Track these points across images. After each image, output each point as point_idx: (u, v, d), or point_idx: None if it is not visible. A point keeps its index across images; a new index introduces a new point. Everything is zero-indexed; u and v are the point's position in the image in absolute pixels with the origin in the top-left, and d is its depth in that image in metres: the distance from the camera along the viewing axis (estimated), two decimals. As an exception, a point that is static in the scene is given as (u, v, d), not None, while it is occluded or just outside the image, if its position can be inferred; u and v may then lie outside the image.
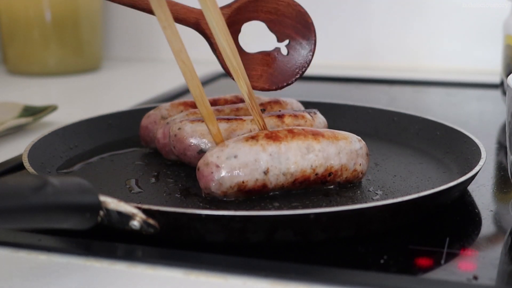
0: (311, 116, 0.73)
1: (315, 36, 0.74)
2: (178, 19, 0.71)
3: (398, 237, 0.57)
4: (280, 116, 0.71)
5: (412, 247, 0.55)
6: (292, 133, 0.64)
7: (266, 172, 0.61)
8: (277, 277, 0.49)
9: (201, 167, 0.62)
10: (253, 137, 0.63)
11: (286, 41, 0.73)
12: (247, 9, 0.72)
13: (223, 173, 0.61)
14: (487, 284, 0.49)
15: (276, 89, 0.73)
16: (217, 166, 0.61)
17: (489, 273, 0.51)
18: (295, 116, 0.72)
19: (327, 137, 0.65)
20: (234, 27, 0.71)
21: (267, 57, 0.73)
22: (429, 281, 0.50)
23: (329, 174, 0.64)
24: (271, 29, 0.73)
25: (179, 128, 0.69)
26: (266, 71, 0.72)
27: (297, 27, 0.73)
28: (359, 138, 0.67)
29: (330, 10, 1.48)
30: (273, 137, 0.63)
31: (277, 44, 0.74)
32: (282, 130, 0.64)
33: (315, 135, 0.64)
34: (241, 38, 0.73)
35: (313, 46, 0.74)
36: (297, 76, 0.73)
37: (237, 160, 0.61)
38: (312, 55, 0.74)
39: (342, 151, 0.65)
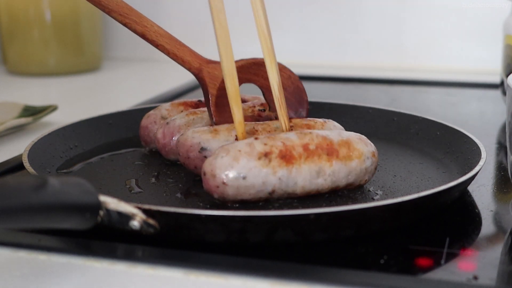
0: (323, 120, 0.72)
1: (307, 114, 0.74)
2: (183, 61, 0.72)
3: (398, 237, 0.57)
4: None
5: (412, 247, 0.55)
6: (307, 151, 0.61)
7: (271, 193, 0.61)
8: (277, 277, 0.49)
9: (207, 175, 0.60)
10: (267, 155, 0.60)
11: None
12: (249, 70, 0.72)
13: (229, 191, 0.60)
14: (487, 284, 0.49)
15: None
16: (224, 184, 0.59)
17: (489, 273, 0.51)
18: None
19: (341, 157, 0.62)
20: None
21: (259, 118, 0.74)
22: (429, 281, 0.50)
23: (333, 191, 0.64)
24: (266, 97, 0.74)
25: (182, 134, 0.69)
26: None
27: (291, 101, 0.73)
28: (374, 151, 0.65)
29: (330, 10, 1.48)
30: (287, 157, 0.60)
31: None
32: (298, 144, 0.61)
33: (330, 154, 0.62)
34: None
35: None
36: None
37: (245, 182, 0.59)
38: None
39: (352, 172, 0.63)
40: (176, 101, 0.81)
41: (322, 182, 0.62)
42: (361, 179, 0.65)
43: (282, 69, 0.73)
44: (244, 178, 0.59)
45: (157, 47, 0.71)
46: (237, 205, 0.61)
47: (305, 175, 0.61)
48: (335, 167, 0.62)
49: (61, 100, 1.14)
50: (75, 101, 1.20)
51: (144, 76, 1.48)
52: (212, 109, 0.70)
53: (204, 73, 0.71)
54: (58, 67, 1.42)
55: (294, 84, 0.74)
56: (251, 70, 0.72)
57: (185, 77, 1.33)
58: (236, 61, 0.71)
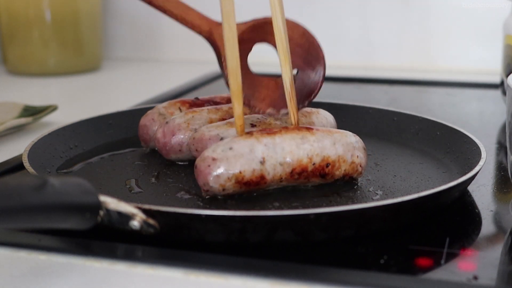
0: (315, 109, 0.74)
1: (324, 70, 0.72)
2: (193, 25, 0.70)
3: (398, 237, 0.57)
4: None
5: (412, 247, 0.55)
6: (286, 129, 0.65)
7: (262, 162, 0.62)
8: (277, 277, 0.49)
9: (198, 163, 0.62)
10: (248, 133, 0.64)
11: (294, 71, 0.72)
12: (262, 29, 0.71)
13: (220, 166, 0.61)
14: (487, 284, 0.49)
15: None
16: (214, 159, 0.61)
17: (489, 273, 0.51)
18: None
19: (322, 131, 0.65)
20: (246, 45, 0.69)
21: (272, 82, 0.72)
22: (429, 281, 0.50)
23: (327, 165, 0.64)
24: None
25: (196, 131, 0.69)
26: (270, 96, 0.71)
27: (307, 58, 0.72)
28: (355, 134, 0.68)
29: (330, 10, 1.48)
30: (267, 131, 0.64)
31: None
32: (277, 127, 0.65)
33: (309, 129, 0.65)
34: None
35: (321, 79, 0.72)
36: (300, 106, 0.71)
37: (232, 152, 0.61)
38: (319, 88, 0.72)
39: (338, 142, 0.65)
40: (173, 100, 0.81)
41: (310, 147, 0.63)
42: (352, 154, 0.65)
43: (295, 26, 0.71)
44: (231, 148, 0.61)
45: (165, 13, 0.69)
46: (236, 195, 0.61)
47: (290, 141, 0.63)
48: (318, 135, 0.64)
49: (61, 100, 1.14)
50: (75, 101, 1.20)
51: (144, 76, 1.48)
52: (226, 71, 0.69)
53: (215, 35, 0.70)
54: (58, 67, 1.42)
55: (309, 40, 0.72)
56: (263, 30, 0.70)
57: (185, 77, 1.33)
58: (246, 22, 0.70)
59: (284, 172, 0.63)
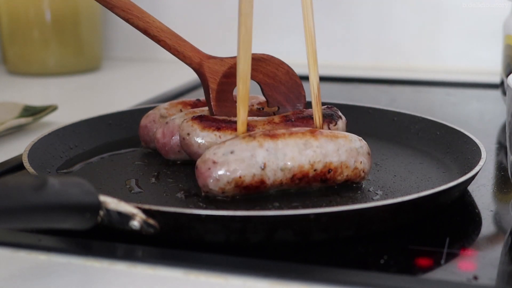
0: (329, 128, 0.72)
1: (304, 108, 0.75)
2: (184, 56, 0.72)
3: (398, 237, 0.57)
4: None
5: (412, 247, 0.55)
6: (290, 132, 0.64)
7: (263, 167, 0.61)
8: (277, 277, 0.50)
9: (199, 164, 0.62)
10: (250, 135, 0.63)
11: (275, 108, 0.75)
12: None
13: (220, 169, 0.61)
14: (487, 284, 0.49)
15: None
16: (214, 162, 0.61)
17: (489, 273, 0.51)
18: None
19: (326, 135, 0.65)
20: (232, 79, 0.72)
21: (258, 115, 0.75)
22: (429, 281, 0.50)
23: (329, 171, 0.64)
24: (265, 92, 0.75)
25: (188, 134, 0.68)
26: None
27: (289, 96, 0.75)
28: (360, 138, 0.67)
29: (329, 10, 1.48)
30: (270, 135, 0.63)
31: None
32: (281, 129, 0.65)
33: (313, 133, 0.65)
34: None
35: None
36: None
37: (233, 156, 0.61)
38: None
39: (341, 148, 0.64)
40: (175, 100, 0.81)
41: (312, 153, 0.63)
42: (355, 160, 0.65)
43: (280, 64, 0.74)
44: (232, 152, 0.61)
45: (158, 43, 0.72)
46: (235, 197, 0.61)
47: (293, 147, 0.63)
48: (321, 141, 0.64)
49: (61, 100, 1.14)
50: (75, 101, 1.20)
51: (144, 76, 1.48)
52: (212, 103, 0.71)
53: (204, 68, 0.72)
54: (58, 67, 1.42)
55: (292, 79, 0.75)
56: (251, 65, 0.72)
57: (185, 77, 1.33)
58: (233, 57, 0.72)
59: (285, 177, 0.63)
